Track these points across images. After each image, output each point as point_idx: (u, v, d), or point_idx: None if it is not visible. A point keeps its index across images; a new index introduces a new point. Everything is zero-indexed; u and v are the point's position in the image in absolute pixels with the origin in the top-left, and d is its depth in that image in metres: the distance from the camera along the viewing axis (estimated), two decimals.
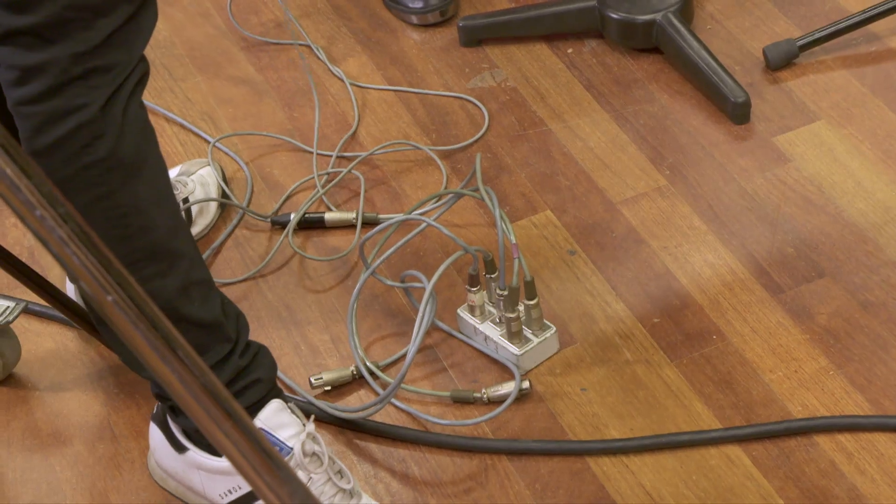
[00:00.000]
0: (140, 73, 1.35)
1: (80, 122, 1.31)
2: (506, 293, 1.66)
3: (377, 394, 1.68)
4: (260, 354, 1.50)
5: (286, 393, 1.65)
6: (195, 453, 1.51)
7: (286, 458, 1.45)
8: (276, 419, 1.47)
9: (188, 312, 1.43)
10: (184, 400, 1.12)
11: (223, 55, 2.21)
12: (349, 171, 1.98)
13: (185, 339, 1.41)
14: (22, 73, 1.29)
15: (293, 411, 1.50)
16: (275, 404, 1.48)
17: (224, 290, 1.83)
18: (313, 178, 1.98)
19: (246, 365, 1.48)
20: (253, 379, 1.48)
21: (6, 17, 1.27)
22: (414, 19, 2.22)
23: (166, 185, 1.41)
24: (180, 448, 1.52)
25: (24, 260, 1.65)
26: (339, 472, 1.50)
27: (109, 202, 1.35)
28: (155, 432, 1.55)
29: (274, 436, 1.46)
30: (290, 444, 1.46)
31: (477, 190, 1.70)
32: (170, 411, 1.51)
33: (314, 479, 1.47)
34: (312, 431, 1.48)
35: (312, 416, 1.52)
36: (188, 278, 1.43)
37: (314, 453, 1.48)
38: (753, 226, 1.83)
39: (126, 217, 1.36)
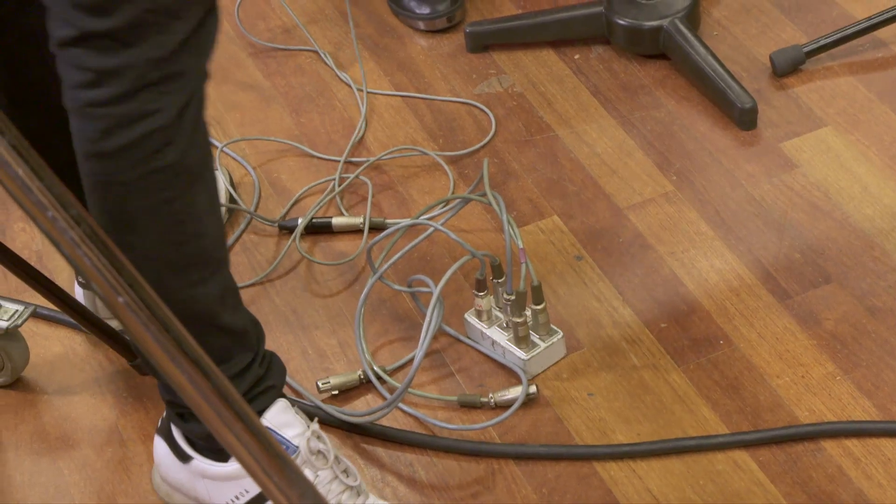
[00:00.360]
0: (206, 80, 1.34)
1: (151, 128, 1.29)
2: (513, 298, 1.66)
3: (384, 398, 1.68)
4: (273, 361, 1.51)
5: (294, 397, 1.66)
6: (200, 461, 1.51)
7: (292, 457, 1.46)
8: (281, 418, 1.48)
9: (223, 319, 1.43)
10: (194, 402, 1.12)
11: (231, 61, 2.21)
12: (357, 177, 1.98)
13: (213, 346, 1.42)
14: (96, 76, 1.28)
15: (297, 411, 1.50)
16: (280, 403, 1.48)
17: None
18: (321, 183, 1.99)
19: (263, 373, 1.48)
20: (267, 386, 1.49)
21: (83, 20, 1.25)
22: (421, 25, 2.23)
23: (217, 192, 1.41)
24: (185, 458, 1.52)
25: (32, 264, 1.65)
26: (345, 471, 1.50)
27: (170, 208, 1.34)
28: (159, 445, 1.55)
29: (280, 434, 1.46)
30: (295, 443, 1.47)
31: (484, 195, 1.70)
32: (178, 418, 1.51)
33: (320, 477, 1.47)
34: (317, 430, 1.49)
35: (316, 418, 1.52)
36: (226, 285, 1.43)
37: (319, 451, 1.48)
38: (760, 231, 1.83)
39: (183, 224, 1.36)
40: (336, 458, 1.49)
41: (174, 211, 1.35)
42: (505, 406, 1.66)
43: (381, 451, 1.64)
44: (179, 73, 1.30)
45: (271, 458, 1.16)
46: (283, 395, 1.52)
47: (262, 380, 1.48)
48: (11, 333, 1.70)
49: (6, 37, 1.58)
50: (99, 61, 1.27)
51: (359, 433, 1.66)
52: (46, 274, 1.66)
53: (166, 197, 1.34)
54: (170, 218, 1.35)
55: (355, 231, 1.91)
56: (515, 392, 1.66)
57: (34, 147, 1.56)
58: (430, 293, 1.66)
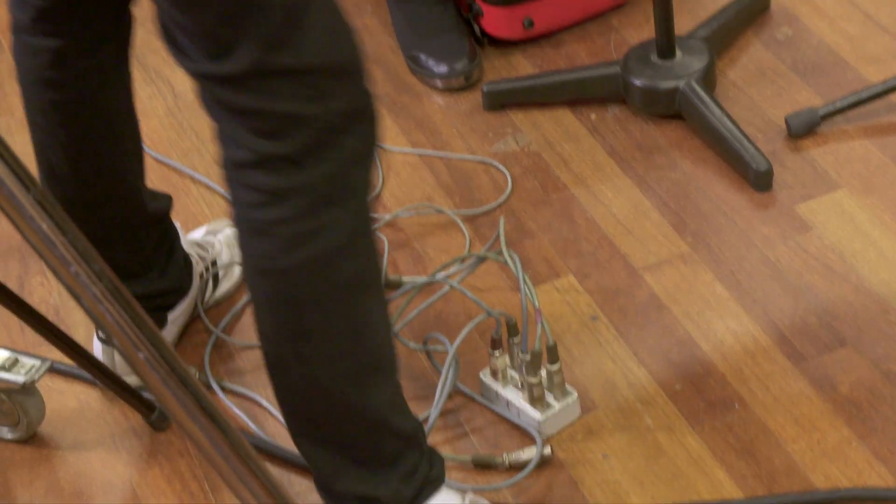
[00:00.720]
0: (372, 191, 1.34)
1: (329, 243, 1.29)
2: (528, 358, 1.66)
3: None
4: (434, 454, 1.50)
5: None
6: None
7: None
8: (439, 499, 1.47)
9: (394, 423, 1.42)
10: (211, 457, 1.13)
11: None
12: None
13: (384, 449, 1.41)
14: (272, 196, 1.28)
15: (449, 484, 1.49)
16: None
17: (247, 353, 1.83)
18: None
19: (429, 470, 1.47)
20: (433, 478, 1.47)
21: (261, 143, 1.26)
22: (439, 84, 2.24)
23: (384, 294, 1.40)
24: None
25: (50, 318, 1.66)
26: None
27: (347, 320, 1.34)
28: None
29: None
30: None
31: (500, 253, 1.71)
32: None
33: None
34: (474, 498, 1.48)
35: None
36: (396, 389, 1.43)
37: None
38: (776, 294, 1.83)
39: (359, 333, 1.36)
40: None
41: (352, 321, 1.34)
42: (519, 467, 1.65)
43: None
44: (352, 187, 1.30)
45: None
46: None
47: (429, 474, 1.47)
48: (27, 388, 1.70)
49: (83, 111, 1.60)
50: (276, 182, 1.27)
51: None
52: (64, 328, 1.67)
53: (344, 310, 1.33)
54: (346, 329, 1.34)
55: None
56: (530, 453, 1.65)
57: (90, 217, 1.59)
58: (446, 352, 1.66)
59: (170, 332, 1.80)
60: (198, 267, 1.84)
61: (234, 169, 1.30)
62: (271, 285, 1.33)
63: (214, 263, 1.89)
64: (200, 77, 1.28)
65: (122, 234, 1.69)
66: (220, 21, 1.22)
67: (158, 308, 1.77)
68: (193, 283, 1.82)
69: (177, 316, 1.80)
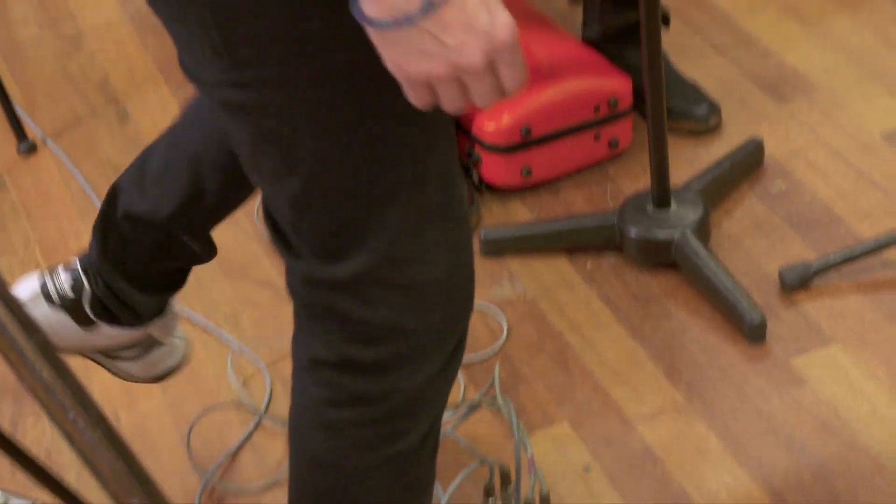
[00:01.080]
0: (446, 405, 1.32)
1: (402, 448, 1.26)
2: None
3: None
4: None
5: None
6: None
7: None
8: None
9: None
10: None
11: (250, 259, 2.24)
12: None
13: None
14: (350, 397, 1.23)
15: None
16: None
17: (241, 498, 1.82)
18: None
19: None
20: None
21: (349, 348, 1.21)
22: None
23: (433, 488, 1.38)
24: None
25: (42, 459, 1.65)
26: None
27: None
28: None
29: None
30: None
31: (494, 400, 1.71)
32: None
33: None
34: None
35: None
36: None
37: None
38: (770, 448, 1.83)
39: None
40: None
41: None
42: None
43: None
44: (430, 401, 1.27)
45: None
46: None
47: None
48: None
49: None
50: (357, 385, 1.23)
51: None
52: (56, 469, 1.66)
53: None
54: None
55: None
56: None
57: (155, 203, 1.55)
58: (438, 500, 1.65)
59: (80, 340, 1.66)
60: (156, 331, 1.74)
61: (312, 365, 1.24)
62: (329, 481, 1.28)
63: (159, 345, 1.79)
64: (303, 276, 1.21)
65: (156, 239, 1.61)
66: (340, 228, 1.16)
67: (108, 314, 1.65)
68: (144, 328, 1.70)
69: (106, 334, 1.67)
